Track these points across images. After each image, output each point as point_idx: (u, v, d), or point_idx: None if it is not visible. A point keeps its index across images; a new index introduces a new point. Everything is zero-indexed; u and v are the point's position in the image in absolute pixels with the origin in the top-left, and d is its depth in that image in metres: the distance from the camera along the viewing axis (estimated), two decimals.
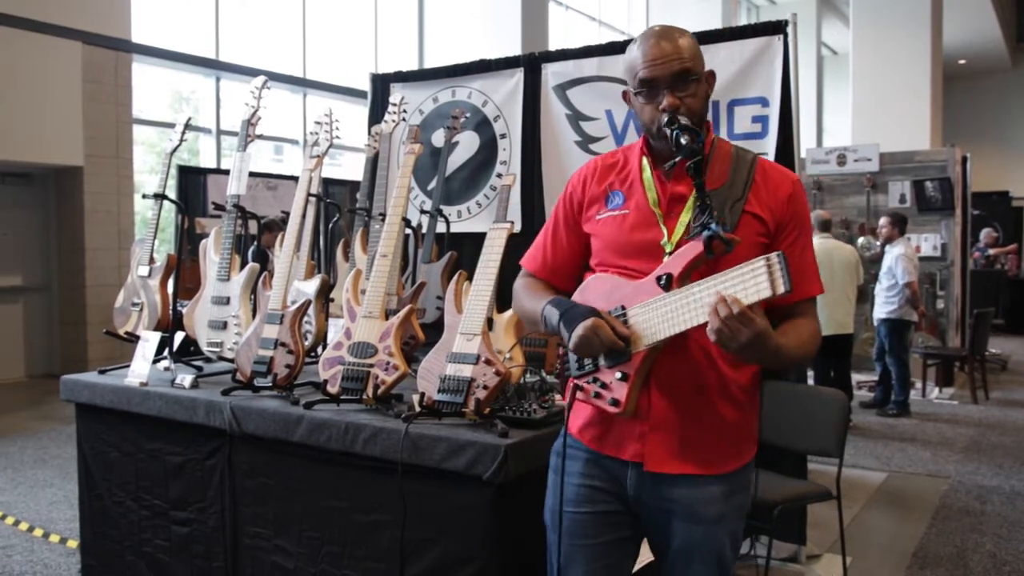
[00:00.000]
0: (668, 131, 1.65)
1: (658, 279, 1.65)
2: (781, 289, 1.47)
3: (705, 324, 1.54)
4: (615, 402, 1.69)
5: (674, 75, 1.69)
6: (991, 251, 13.05)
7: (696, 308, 1.57)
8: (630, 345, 1.66)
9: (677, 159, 1.65)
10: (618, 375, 1.68)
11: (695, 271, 1.63)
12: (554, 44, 10.68)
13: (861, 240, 8.44)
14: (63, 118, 8.38)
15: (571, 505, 1.80)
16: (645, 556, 1.96)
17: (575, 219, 1.89)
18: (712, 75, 1.79)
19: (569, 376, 1.78)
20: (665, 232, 1.72)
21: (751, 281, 1.51)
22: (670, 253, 1.70)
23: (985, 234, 13.23)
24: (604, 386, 1.70)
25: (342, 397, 2.63)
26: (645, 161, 1.81)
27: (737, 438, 1.78)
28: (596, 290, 1.77)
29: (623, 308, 1.69)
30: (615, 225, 1.79)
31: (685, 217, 1.71)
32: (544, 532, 1.94)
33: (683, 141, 1.61)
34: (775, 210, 1.73)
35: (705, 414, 1.72)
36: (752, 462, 1.83)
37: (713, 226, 1.57)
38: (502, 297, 2.92)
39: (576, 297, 1.81)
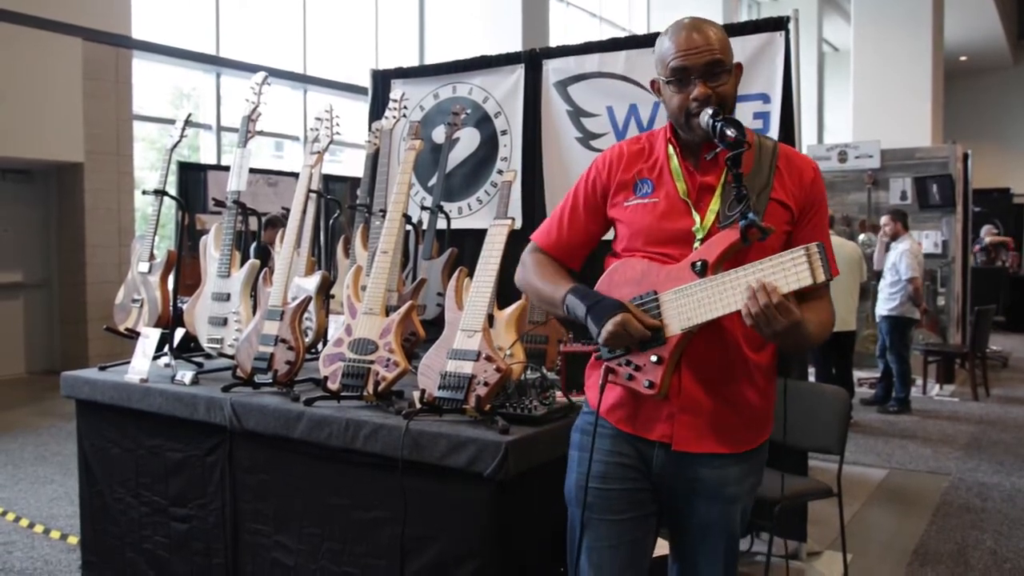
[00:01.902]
0: (713, 122, 1.66)
1: (693, 265, 1.68)
2: (822, 278, 1.53)
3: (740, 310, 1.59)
4: (651, 384, 1.72)
5: (705, 65, 1.72)
6: (987, 239, 12.97)
7: (733, 294, 1.61)
8: (663, 331, 1.70)
9: (718, 149, 1.68)
10: (653, 358, 1.71)
11: (729, 258, 1.67)
12: (555, 40, 10.66)
13: (862, 237, 8.44)
14: (63, 115, 8.37)
15: (597, 481, 1.83)
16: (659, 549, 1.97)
17: (597, 203, 1.91)
18: (740, 67, 1.81)
19: (601, 359, 1.81)
20: (697, 219, 1.75)
21: (792, 270, 1.55)
22: (701, 240, 1.73)
23: (986, 231, 13.21)
24: (638, 368, 1.74)
25: (342, 394, 2.63)
26: (672, 151, 1.83)
27: (758, 420, 1.83)
28: (625, 275, 1.79)
29: (655, 293, 1.73)
30: (645, 212, 1.81)
31: (715, 205, 1.74)
32: (546, 526, 1.96)
33: (729, 133, 1.63)
34: (798, 196, 1.78)
35: (731, 396, 1.77)
36: (767, 442, 1.88)
37: (751, 215, 1.61)
38: (503, 294, 2.92)
39: (603, 281, 1.84)
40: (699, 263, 1.67)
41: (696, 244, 1.73)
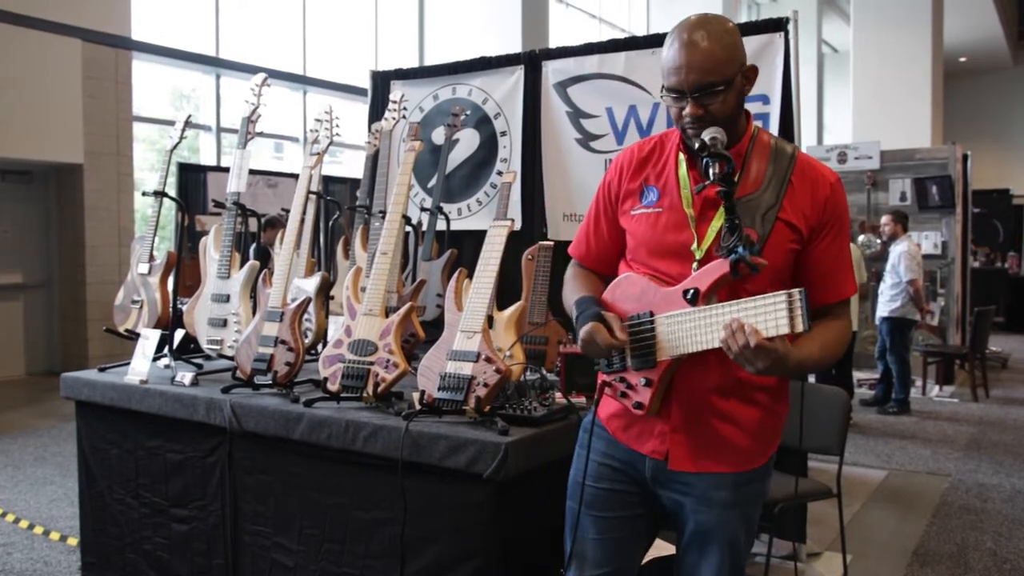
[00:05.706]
0: (699, 157, 1.64)
1: (685, 292, 1.67)
2: (800, 328, 1.51)
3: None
4: (639, 405, 1.76)
5: (694, 87, 1.66)
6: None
7: (716, 330, 1.61)
8: (655, 353, 1.71)
9: (707, 183, 1.65)
10: (643, 380, 1.74)
11: (722, 288, 1.66)
12: (555, 42, 10.66)
13: (862, 238, 8.45)
14: (63, 115, 8.37)
15: (591, 480, 1.89)
16: (655, 549, 1.98)
17: (613, 211, 1.92)
18: (752, 70, 1.73)
19: (599, 371, 1.85)
20: (696, 237, 1.73)
21: (771, 315, 1.53)
22: (699, 260, 1.71)
23: None
24: (630, 387, 1.78)
25: (342, 395, 2.63)
26: (681, 156, 1.80)
27: (758, 437, 1.80)
28: (627, 291, 1.81)
29: (652, 314, 1.73)
30: (648, 223, 1.80)
31: (716, 223, 1.71)
32: (546, 527, 1.99)
33: (712, 173, 1.61)
34: (810, 215, 1.71)
35: (725, 417, 1.75)
36: (773, 456, 1.85)
37: (740, 250, 1.58)
38: (502, 294, 2.92)
39: (608, 292, 1.86)
40: (691, 291, 1.66)
41: (694, 264, 1.71)
